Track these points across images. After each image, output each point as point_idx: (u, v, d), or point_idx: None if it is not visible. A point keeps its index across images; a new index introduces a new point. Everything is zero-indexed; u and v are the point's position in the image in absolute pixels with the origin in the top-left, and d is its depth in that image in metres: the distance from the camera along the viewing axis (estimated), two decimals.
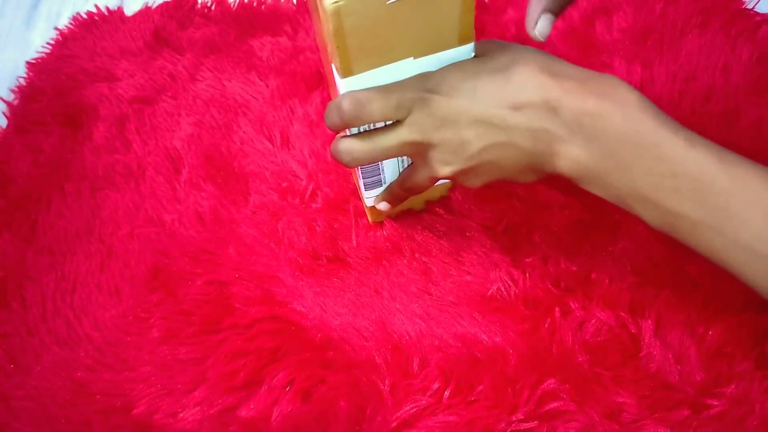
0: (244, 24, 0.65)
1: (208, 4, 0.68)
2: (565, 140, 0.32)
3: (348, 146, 0.37)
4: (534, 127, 0.33)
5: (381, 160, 0.38)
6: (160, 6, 0.68)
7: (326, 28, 0.32)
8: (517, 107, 0.33)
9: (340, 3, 0.30)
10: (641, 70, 0.52)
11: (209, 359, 0.43)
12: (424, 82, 0.34)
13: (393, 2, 0.31)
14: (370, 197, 0.44)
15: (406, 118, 0.35)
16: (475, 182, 0.37)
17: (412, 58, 0.34)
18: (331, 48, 0.33)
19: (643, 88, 0.52)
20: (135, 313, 0.47)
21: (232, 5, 0.67)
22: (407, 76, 0.35)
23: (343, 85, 0.35)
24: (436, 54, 0.35)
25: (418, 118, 0.35)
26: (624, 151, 0.31)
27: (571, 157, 0.32)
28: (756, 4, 0.55)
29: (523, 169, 0.35)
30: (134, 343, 0.45)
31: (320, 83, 0.58)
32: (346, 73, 0.34)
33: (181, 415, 0.41)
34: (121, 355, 0.45)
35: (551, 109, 0.32)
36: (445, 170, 0.36)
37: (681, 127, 0.31)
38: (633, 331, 0.40)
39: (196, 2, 0.68)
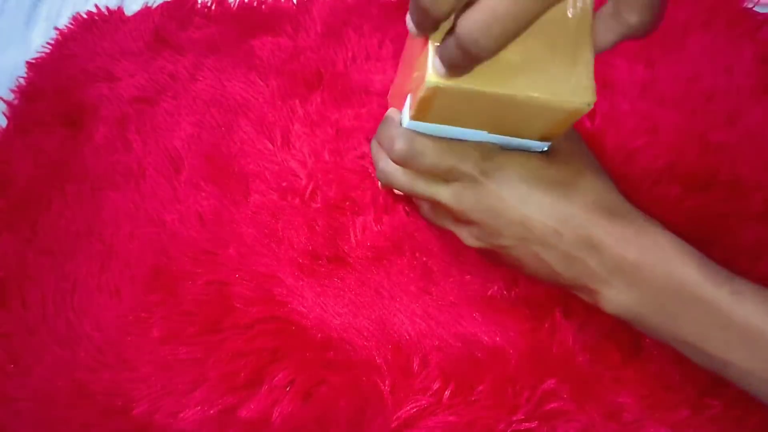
0: (245, 24, 0.65)
1: (208, 4, 0.68)
2: (606, 281, 0.32)
3: (390, 172, 0.36)
4: (570, 255, 0.33)
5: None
6: (160, 6, 0.68)
7: (416, 84, 0.31)
8: (559, 232, 0.33)
9: (440, 83, 0.29)
10: (644, 70, 0.52)
11: (210, 359, 0.43)
12: (482, 161, 0.33)
13: (490, 95, 0.29)
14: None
15: (451, 183, 0.35)
16: (495, 262, 0.37)
17: (486, 132, 0.33)
18: (414, 94, 0.32)
19: (646, 88, 0.51)
20: (135, 313, 0.47)
21: (232, 5, 0.67)
22: (473, 139, 0.34)
23: (410, 122, 0.34)
24: (512, 138, 0.34)
25: (463, 192, 0.34)
26: (668, 301, 0.31)
27: (614, 299, 0.33)
28: (756, 3, 0.55)
29: (547, 279, 0.35)
30: (134, 343, 0.45)
31: (320, 83, 0.58)
32: (418, 119, 0.33)
33: (182, 415, 0.41)
34: (121, 355, 0.45)
35: (592, 246, 0.32)
36: (471, 242, 0.36)
37: (727, 276, 0.31)
38: (633, 331, 0.40)
39: (196, 2, 0.68)
